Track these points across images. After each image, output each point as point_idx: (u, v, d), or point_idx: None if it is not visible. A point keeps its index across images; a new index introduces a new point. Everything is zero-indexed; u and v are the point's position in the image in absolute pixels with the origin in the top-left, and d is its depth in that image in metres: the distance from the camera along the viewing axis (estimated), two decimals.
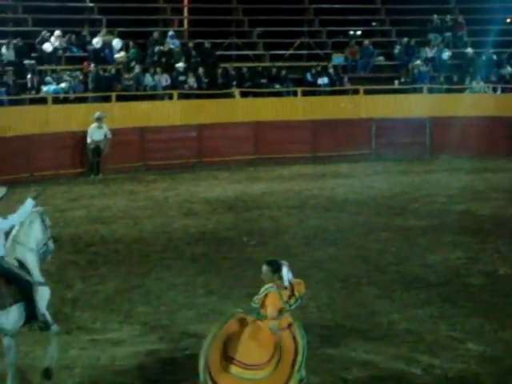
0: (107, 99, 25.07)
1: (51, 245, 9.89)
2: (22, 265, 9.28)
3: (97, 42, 26.44)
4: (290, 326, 8.41)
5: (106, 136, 23.64)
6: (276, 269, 8.36)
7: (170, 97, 26.18)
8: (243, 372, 8.19)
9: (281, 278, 8.33)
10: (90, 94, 25.13)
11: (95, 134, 23.61)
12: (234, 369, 8.19)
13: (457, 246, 15.68)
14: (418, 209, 19.25)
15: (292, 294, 8.39)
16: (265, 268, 8.40)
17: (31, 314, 9.09)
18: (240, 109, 26.71)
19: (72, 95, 24.88)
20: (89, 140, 23.62)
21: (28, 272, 9.25)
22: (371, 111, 27.53)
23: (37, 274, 9.41)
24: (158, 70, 26.28)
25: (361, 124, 27.19)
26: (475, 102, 27.90)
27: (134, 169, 24.48)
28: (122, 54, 26.79)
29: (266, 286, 8.36)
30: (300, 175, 24.22)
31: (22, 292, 9.06)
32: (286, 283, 8.33)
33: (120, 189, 21.96)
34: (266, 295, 8.32)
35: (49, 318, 9.34)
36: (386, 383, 9.38)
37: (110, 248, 15.64)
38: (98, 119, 23.51)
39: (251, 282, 11.88)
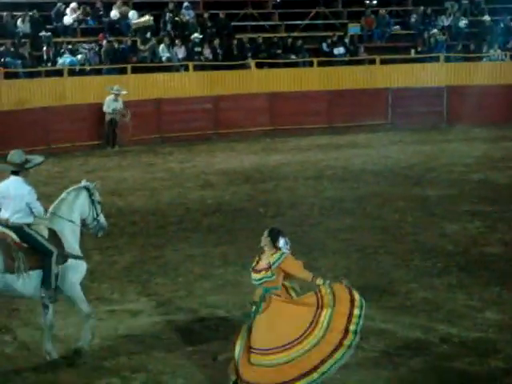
0: (123, 71, 25.02)
1: (103, 221, 9.90)
2: (54, 235, 9.34)
3: (114, 14, 26.34)
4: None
5: (120, 108, 23.59)
6: (273, 235, 8.30)
7: (186, 68, 26.10)
8: (261, 358, 8.11)
9: (275, 247, 8.26)
10: (105, 66, 25.07)
11: (111, 105, 23.58)
12: (252, 358, 8.13)
13: (474, 215, 15.63)
14: (435, 178, 19.18)
15: (267, 268, 8.28)
16: (265, 231, 8.36)
17: (46, 283, 9.15)
18: (256, 80, 26.62)
19: (88, 67, 24.83)
20: (105, 109, 23.58)
21: (59, 243, 9.31)
22: (387, 81, 27.38)
23: (73, 247, 9.47)
24: (175, 41, 26.15)
25: (377, 94, 27.04)
26: (492, 70, 27.71)
27: (150, 141, 24.45)
28: (147, 17, 26.58)
29: (276, 255, 8.26)
30: (316, 146, 24.15)
31: (41, 260, 9.13)
32: (285, 250, 8.27)
33: (136, 161, 21.98)
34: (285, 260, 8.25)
35: (75, 291, 9.39)
36: (403, 352, 9.38)
37: (127, 220, 15.68)
38: (116, 91, 23.45)
39: None
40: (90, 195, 9.76)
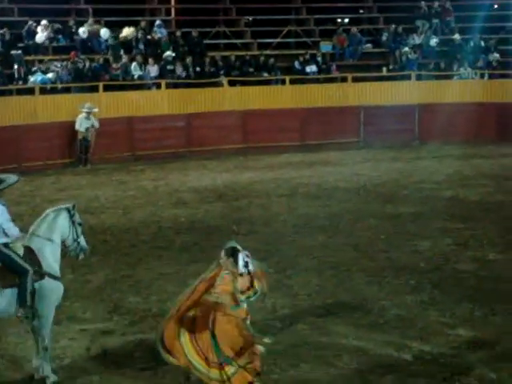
0: (95, 89, 24.96)
1: (83, 243, 9.76)
2: (30, 252, 9.26)
3: (83, 31, 26.28)
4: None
5: (93, 126, 23.55)
6: (231, 254, 8.27)
7: (158, 86, 26.09)
8: (193, 354, 8.13)
9: (236, 264, 8.22)
10: (77, 84, 25.00)
11: (83, 124, 23.52)
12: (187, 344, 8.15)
13: (446, 232, 15.71)
14: (407, 195, 19.28)
15: (251, 286, 8.26)
16: (222, 253, 8.34)
17: (22, 302, 9.07)
18: (228, 98, 26.66)
19: (59, 85, 24.74)
20: (77, 128, 23.51)
21: (35, 260, 9.23)
22: (360, 99, 27.51)
23: (51, 267, 9.37)
24: (148, 59, 26.13)
25: (349, 112, 27.16)
26: (463, 88, 27.94)
27: (122, 159, 24.41)
28: (132, 29, 26.53)
29: (222, 273, 8.26)
30: (289, 163, 24.20)
31: (15, 278, 9.06)
32: (242, 270, 8.22)
33: (109, 179, 21.91)
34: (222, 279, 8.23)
35: (48, 312, 9.31)
36: (376, 370, 9.38)
37: (99, 238, 15.59)
38: (88, 110, 23.40)
39: None
40: (71, 216, 9.66)
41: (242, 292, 8.21)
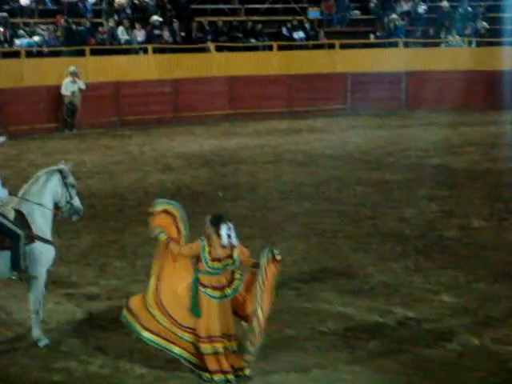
0: (81, 53, 24.78)
1: (77, 204, 9.65)
2: (20, 216, 9.20)
3: None
4: (222, 288, 8.30)
5: (80, 89, 23.41)
6: (215, 222, 8.26)
7: (145, 51, 25.93)
8: (163, 318, 8.23)
9: (219, 235, 8.23)
10: (63, 48, 24.81)
11: (69, 87, 23.38)
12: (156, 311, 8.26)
13: (432, 199, 15.76)
14: (393, 163, 19.30)
15: (230, 256, 8.29)
16: (206, 219, 8.34)
17: (15, 264, 9.06)
18: (215, 63, 26.53)
19: (45, 49, 24.55)
20: (63, 92, 23.38)
21: (25, 224, 9.16)
22: (347, 66, 27.43)
23: (43, 231, 9.32)
24: (135, 24, 25.94)
25: (337, 79, 27.11)
26: (451, 56, 27.90)
27: (109, 124, 24.31)
28: None
29: (201, 238, 8.29)
30: (276, 130, 24.17)
31: (7, 241, 9.04)
32: (224, 241, 8.22)
33: (95, 144, 21.83)
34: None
35: (40, 274, 9.30)
36: (361, 335, 9.43)
37: (86, 203, 15.40)
38: (72, 74, 23.27)
39: None
40: (63, 178, 9.54)
41: (220, 260, 8.21)
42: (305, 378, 8.34)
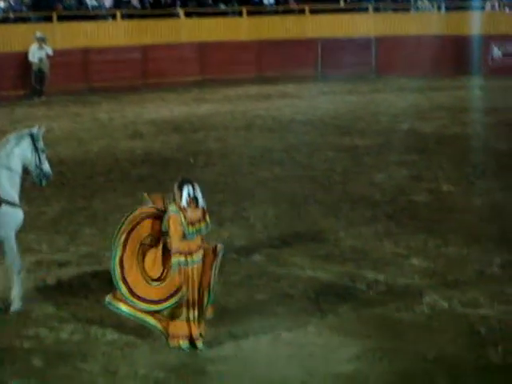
0: (49, 19, 24.50)
1: (47, 169, 9.58)
2: None
3: None
4: (190, 253, 8.27)
5: (47, 55, 23.18)
6: (179, 185, 8.24)
7: (114, 17, 25.70)
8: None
9: (181, 196, 8.20)
10: (30, 14, 24.51)
11: (36, 54, 23.14)
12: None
13: (402, 164, 15.82)
14: (363, 128, 19.35)
15: (203, 219, 8.28)
16: (175, 185, 8.31)
17: None
18: (185, 29, 26.38)
19: (11, 15, 24.23)
20: (30, 59, 23.14)
21: None
22: (317, 31, 27.38)
23: (10, 195, 9.22)
24: None
25: (307, 44, 27.06)
26: (421, 20, 27.91)
27: (77, 90, 24.12)
28: None
29: (170, 209, 8.23)
30: (246, 96, 24.11)
31: None
32: (183, 203, 8.18)
33: (64, 111, 21.68)
34: (169, 219, 8.20)
35: (8, 236, 9.25)
36: (331, 299, 9.47)
37: (55, 170, 15.29)
38: (39, 40, 23.02)
39: None
40: (34, 142, 9.45)
41: (193, 223, 8.18)
42: (276, 342, 8.38)
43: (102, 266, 10.50)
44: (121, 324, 8.69)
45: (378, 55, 27.46)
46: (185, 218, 8.11)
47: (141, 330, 8.53)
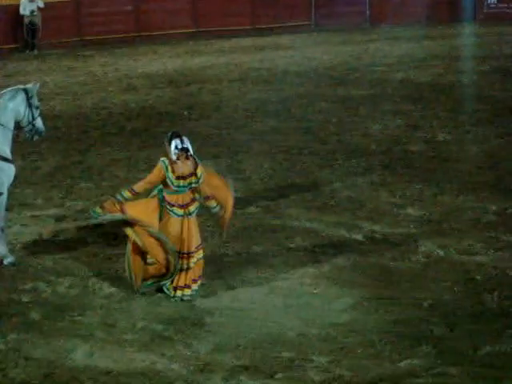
0: None
1: (39, 125, 9.53)
2: None
3: None
4: (186, 206, 8.30)
5: (38, 8, 22.97)
6: (169, 140, 8.21)
7: None
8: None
9: (182, 149, 8.19)
10: None
11: (27, 7, 22.92)
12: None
13: (397, 114, 15.79)
14: (358, 78, 19.26)
15: (194, 174, 8.27)
16: (165, 138, 8.28)
17: None
18: None
19: None
20: (21, 12, 22.94)
21: None
22: None
23: (3, 150, 9.18)
24: None
25: None
26: None
27: (70, 44, 23.95)
28: None
29: (161, 159, 8.24)
30: (240, 48, 23.96)
31: None
32: (172, 156, 8.16)
33: (57, 65, 21.54)
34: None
35: (2, 198, 9.19)
36: (328, 250, 9.51)
37: (49, 124, 15.32)
38: None
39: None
40: (28, 98, 9.39)
41: (185, 177, 8.17)
42: (272, 293, 8.42)
43: (97, 220, 10.50)
44: (118, 278, 8.73)
45: (372, 4, 27.25)
46: (173, 171, 8.11)
47: None
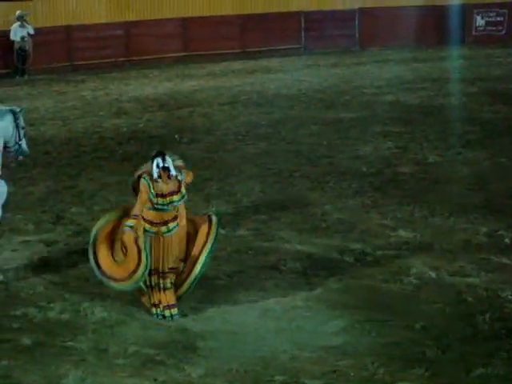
0: None
1: (24, 146, 9.79)
2: None
3: None
4: (165, 223, 8.33)
5: (29, 34, 23.04)
6: (152, 158, 8.24)
7: None
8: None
9: (165, 168, 8.17)
10: None
11: (18, 33, 22.98)
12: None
13: (387, 136, 15.84)
14: (348, 101, 19.34)
15: (178, 191, 8.30)
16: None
17: None
18: (167, 5, 26.22)
19: None
20: (12, 38, 23.01)
21: None
22: (300, 4, 27.26)
23: None
24: None
25: (290, 17, 26.96)
26: None
27: (60, 69, 23.99)
28: None
29: (142, 178, 8.28)
30: (230, 71, 24.05)
31: None
32: (154, 175, 8.19)
33: (47, 90, 21.57)
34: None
35: None
36: (319, 272, 9.50)
37: (40, 150, 15.41)
38: (20, 18, 22.86)
39: None
40: (15, 119, 9.63)
41: (164, 195, 8.20)
42: (264, 316, 8.40)
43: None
44: (110, 302, 8.70)
45: (362, 27, 27.39)
46: (153, 189, 8.15)
47: (131, 307, 8.55)
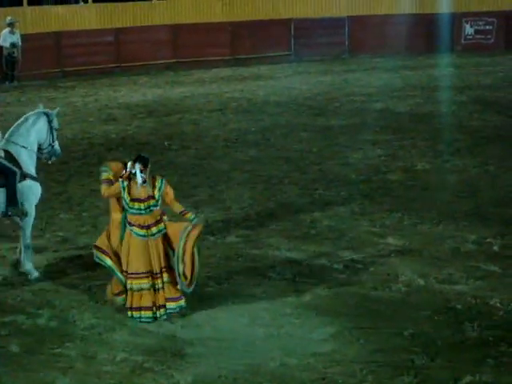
0: (18, 2, 24.30)
1: (57, 147, 10.04)
2: (10, 156, 9.42)
3: None
4: (148, 227, 8.41)
5: (18, 41, 23.02)
6: (132, 163, 8.34)
7: (85, 0, 25.51)
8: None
9: (135, 174, 8.31)
10: None
11: (8, 39, 22.95)
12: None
13: (376, 143, 15.87)
14: (338, 108, 19.37)
15: (152, 197, 8.37)
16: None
17: (12, 201, 9.30)
18: (157, 12, 26.23)
19: None
20: (1, 43, 22.98)
21: (16, 163, 9.42)
22: (290, 12, 27.30)
23: (29, 169, 9.57)
24: None
25: (280, 25, 26.98)
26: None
27: (50, 75, 23.96)
28: None
29: (158, 183, 8.44)
30: (220, 78, 24.06)
31: (3, 179, 9.28)
32: (139, 180, 8.29)
33: (37, 96, 21.52)
34: None
35: (32, 210, 9.54)
36: (308, 279, 9.51)
37: None
38: (10, 24, 22.83)
39: (174, 185, 11.82)
40: (49, 121, 9.86)
41: (141, 200, 8.30)
42: (253, 323, 8.41)
43: (78, 252, 10.50)
44: (99, 309, 8.69)
45: (351, 35, 27.45)
46: (129, 193, 8.24)
47: (119, 314, 8.54)
